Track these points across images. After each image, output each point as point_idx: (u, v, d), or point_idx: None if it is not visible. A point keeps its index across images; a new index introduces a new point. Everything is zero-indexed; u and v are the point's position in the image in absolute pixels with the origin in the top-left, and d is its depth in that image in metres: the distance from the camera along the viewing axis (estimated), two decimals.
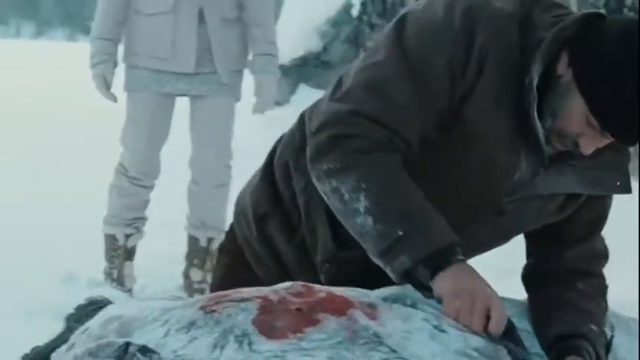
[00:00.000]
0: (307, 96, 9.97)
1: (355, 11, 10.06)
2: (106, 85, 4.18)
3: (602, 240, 2.14)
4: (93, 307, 2.11)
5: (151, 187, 4.36)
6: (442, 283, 1.83)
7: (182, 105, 4.36)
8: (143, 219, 4.42)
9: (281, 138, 2.23)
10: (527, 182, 1.99)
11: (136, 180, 4.30)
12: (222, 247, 2.35)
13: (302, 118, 2.17)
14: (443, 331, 1.72)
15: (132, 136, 4.25)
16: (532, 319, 2.03)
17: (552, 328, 2.00)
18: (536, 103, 1.89)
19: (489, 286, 1.87)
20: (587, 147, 1.92)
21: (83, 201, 5.48)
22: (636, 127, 1.87)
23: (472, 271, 1.88)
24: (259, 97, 4.28)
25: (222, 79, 4.17)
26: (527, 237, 2.15)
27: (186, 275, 4.42)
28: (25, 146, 8.52)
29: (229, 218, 4.15)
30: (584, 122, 1.89)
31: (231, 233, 2.29)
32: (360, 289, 1.80)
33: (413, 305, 1.78)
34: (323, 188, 1.96)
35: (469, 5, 1.93)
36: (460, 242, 1.89)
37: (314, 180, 1.98)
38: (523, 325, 1.98)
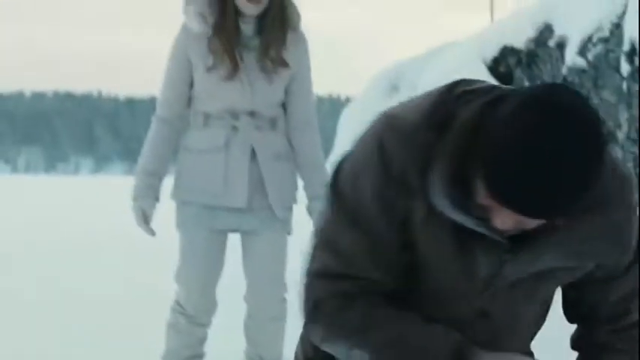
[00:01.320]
0: None
1: None
2: (145, 219, 4.17)
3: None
4: None
5: (207, 324, 4.31)
6: None
7: (234, 238, 4.33)
8: (201, 356, 4.37)
9: None
10: (496, 273, 1.95)
11: (193, 318, 4.25)
12: None
13: None
14: None
15: (186, 273, 4.22)
16: None
17: None
18: (445, 195, 1.85)
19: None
20: (500, 222, 1.82)
21: (139, 335, 5.45)
22: (529, 199, 1.74)
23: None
24: None
25: (276, 215, 4.16)
26: (565, 310, 2.15)
27: None
28: (83, 279, 8.56)
29: (286, 352, 4.12)
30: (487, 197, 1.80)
31: None
32: None
33: None
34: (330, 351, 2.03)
35: (379, 129, 1.94)
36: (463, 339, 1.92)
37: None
38: None
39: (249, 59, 4.10)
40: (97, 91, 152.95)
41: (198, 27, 4.08)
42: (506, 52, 10.45)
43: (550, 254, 1.93)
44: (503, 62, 10.47)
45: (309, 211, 4.29)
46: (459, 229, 1.89)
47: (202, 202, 4.14)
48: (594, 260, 1.99)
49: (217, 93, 4.11)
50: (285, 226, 4.25)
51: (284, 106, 4.21)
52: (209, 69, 4.08)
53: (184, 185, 4.19)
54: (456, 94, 1.92)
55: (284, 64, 4.11)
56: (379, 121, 1.96)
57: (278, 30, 4.09)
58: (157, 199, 4.20)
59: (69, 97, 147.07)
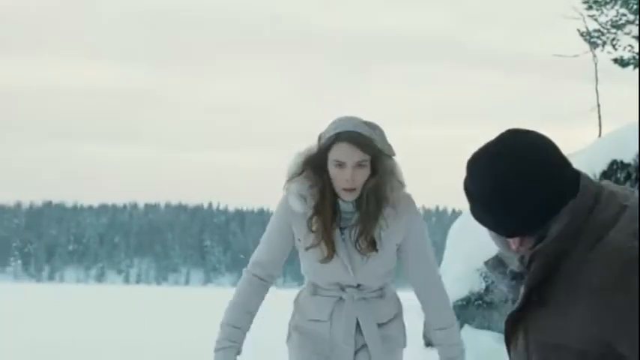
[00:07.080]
0: (472, 337, 9.87)
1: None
2: None
3: None
4: None
5: None
6: None
7: None
8: None
9: None
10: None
11: None
12: None
13: None
14: None
15: None
16: None
17: None
18: None
19: None
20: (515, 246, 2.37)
21: None
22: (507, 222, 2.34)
23: None
24: None
25: None
26: None
27: None
28: None
29: None
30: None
31: None
32: None
33: None
34: None
35: None
36: None
37: None
38: None
39: (349, 237, 4.11)
40: (208, 203, 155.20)
41: (298, 207, 4.11)
42: (615, 166, 10.50)
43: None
44: (612, 177, 10.51)
45: None
46: None
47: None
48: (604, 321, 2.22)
49: (320, 270, 4.16)
50: None
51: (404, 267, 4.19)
52: (307, 249, 4.12)
53: (296, 344, 4.23)
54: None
55: (373, 247, 4.08)
56: None
57: (373, 208, 4.07)
58: (238, 352, 4.18)
59: (181, 208, 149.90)
